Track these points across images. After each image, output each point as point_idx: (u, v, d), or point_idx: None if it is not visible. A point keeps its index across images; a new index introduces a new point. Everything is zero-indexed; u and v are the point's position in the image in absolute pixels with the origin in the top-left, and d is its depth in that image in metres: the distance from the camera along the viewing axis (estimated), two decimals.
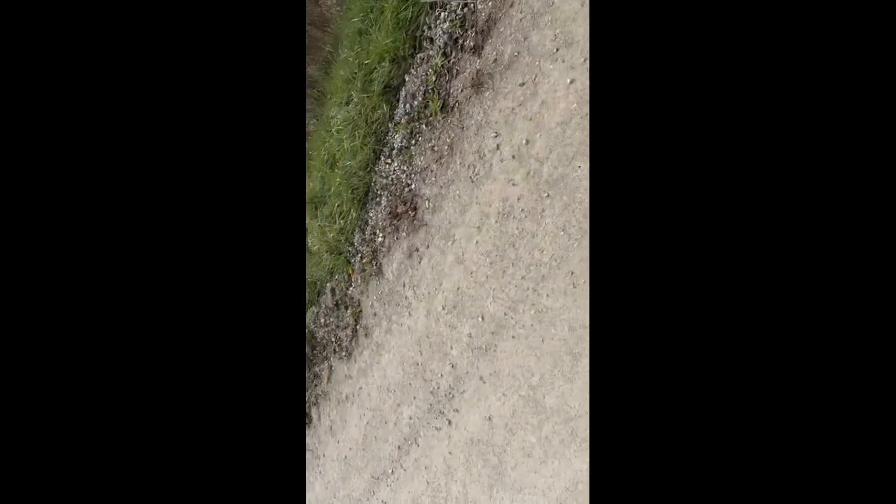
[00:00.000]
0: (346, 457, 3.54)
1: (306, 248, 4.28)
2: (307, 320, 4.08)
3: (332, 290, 3.72)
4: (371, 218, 3.20)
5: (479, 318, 2.24)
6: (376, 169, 3.09)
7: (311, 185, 4.07)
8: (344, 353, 3.56)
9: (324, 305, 3.87)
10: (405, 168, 2.81)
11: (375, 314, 3.13)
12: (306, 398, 4.10)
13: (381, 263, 3.08)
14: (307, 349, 4.04)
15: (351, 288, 3.50)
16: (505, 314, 2.09)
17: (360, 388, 3.31)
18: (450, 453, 2.41)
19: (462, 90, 2.36)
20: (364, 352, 3.28)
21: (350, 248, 3.47)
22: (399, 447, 2.81)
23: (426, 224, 2.64)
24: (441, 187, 2.50)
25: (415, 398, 2.70)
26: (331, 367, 3.79)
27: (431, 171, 2.60)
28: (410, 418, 2.71)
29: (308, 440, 4.05)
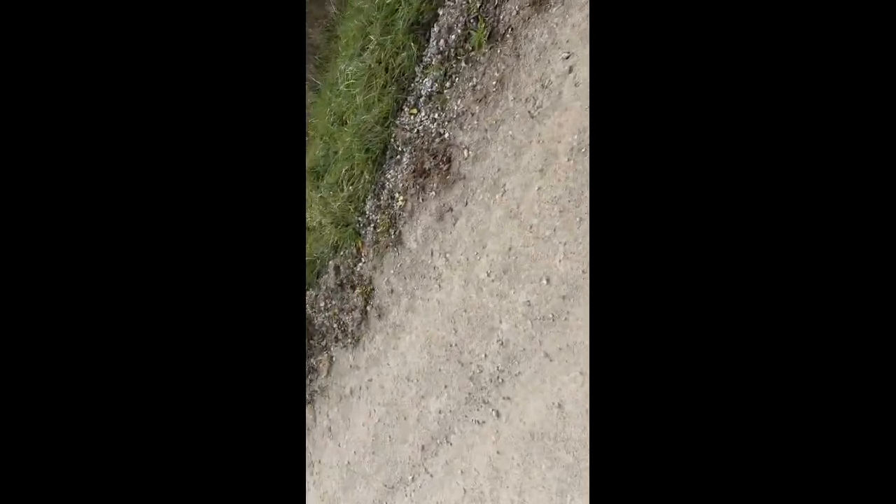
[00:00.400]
0: (348, 462, 2.99)
1: (305, 226, 3.76)
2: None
3: (336, 269, 3.20)
4: (389, 180, 2.72)
5: (543, 282, 1.80)
6: (397, 122, 2.63)
7: (313, 153, 3.57)
8: (349, 341, 3.03)
9: (324, 287, 3.34)
10: (436, 116, 2.37)
11: (392, 291, 2.64)
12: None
13: (400, 232, 2.61)
14: (307, 337, 3.49)
15: (360, 264, 2.99)
16: (583, 272, 1.66)
17: (370, 381, 2.79)
18: (497, 453, 1.93)
19: (518, 12, 1.96)
20: (376, 336, 2.77)
21: (360, 219, 2.98)
22: (423, 448, 2.31)
23: (464, 177, 2.19)
24: (486, 131, 2.07)
25: (446, 387, 2.22)
26: (331, 357, 3.25)
27: (472, 114, 2.17)
28: (440, 412, 2.22)
29: None
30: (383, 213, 2.72)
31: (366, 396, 2.84)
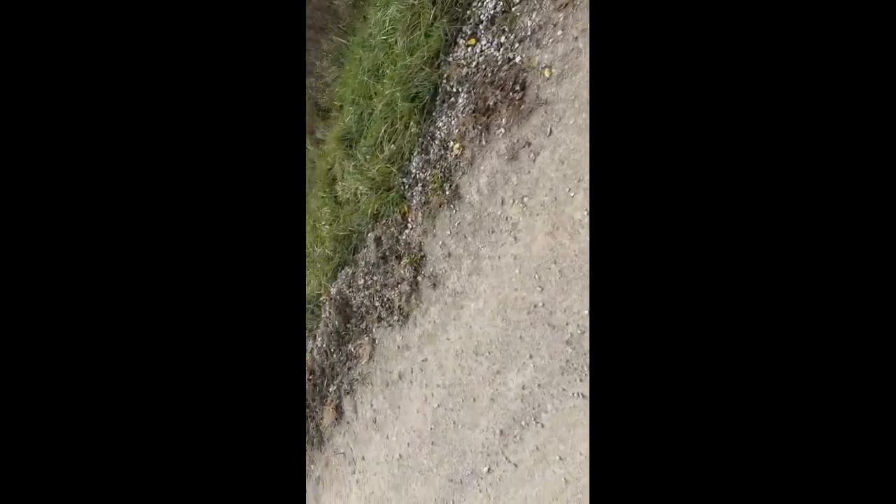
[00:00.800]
0: (400, 456, 2.60)
1: (336, 197, 3.40)
2: (335, 289, 3.17)
3: (377, 241, 2.82)
4: (440, 129, 2.35)
5: None
6: (450, 58, 2.26)
7: (342, 122, 3.22)
8: (395, 319, 2.65)
9: (363, 263, 2.96)
10: (502, 41, 2.00)
11: (450, 255, 2.26)
12: (336, 387, 3.16)
13: (457, 185, 2.23)
14: (339, 322, 3.12)
15: (407, 231, 2.61)
16: None
17: (425, 361, 2.40)
18: None
19: None
20: (430, 310, 2.38)
21: (405, 180, 2.60)
22: (502, 433, 1.91)
23: (545, 102, 1.81)
24: (575, 39, 1.69)
25: (531, 357, 1.82)
26: (373, 341, 2.86)
27: (553, 25, 1.79)
28: (524, 388, 1.83)
29: (339, 440, 3.09)
30: (434, 167, 2.35)
31: (420, 380, 2.44)
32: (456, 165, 2.18)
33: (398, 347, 2.64)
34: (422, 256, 2.44)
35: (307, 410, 3.39)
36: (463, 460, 2.08)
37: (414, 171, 2.47)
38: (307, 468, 3.41)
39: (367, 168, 2.84)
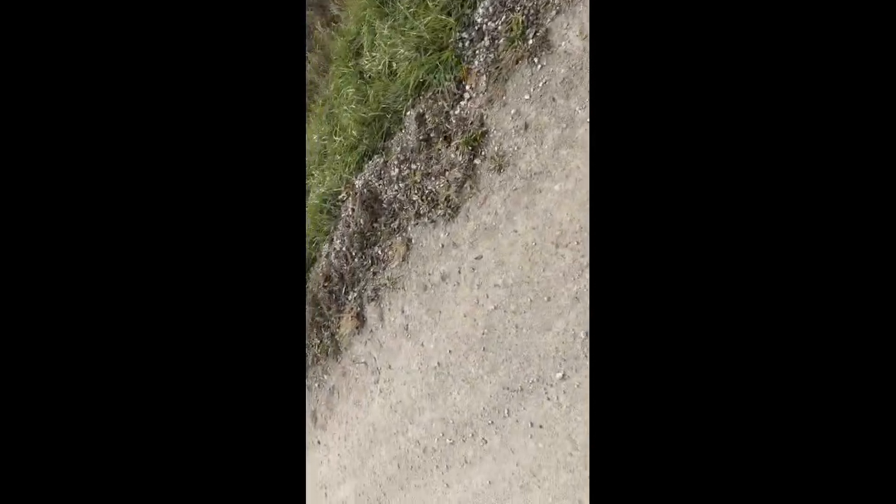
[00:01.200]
0: (438, 364, 2.31)
1: (362, 73, 2.81)
2: (361, 181, 2.70)
3: (419, 119, 2.31)
4: None
5: None
6: None
7: None
8: (440, 213, 2.23)
9: (398, 149, 2.47)
10: None
11: (526, 127, 1.79)
12: (357, 294, 2.80)
13: (547, 31, 1.71)
14: (365, 221, 2.69)
15: (463, 102, 2.11)
16: None
17: (479, 258, 2.03)
18: None
19: None
20: (491, 198, 1.96)
21: (464, 35, 2.05)
22: (585, 336, 1.61)
23: None
24: None
25: None
26: (408, 240, 2.46)
27: None
28: None
29: (360, 349, 2.79)
30: (512, 10, 1.81)
31: (470, 280, 2.09)
32: (547, 4, 1.66)
33: (442, 246, 2.25)
34: (482, 133, 1.97)
35: (322, 319, 3.06)
36: (526, 367, 1.79)
37: (480, 20, 1.91)
38: (321, 378, 3.15)
39: (410, 26, 2.26)
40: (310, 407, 3.22)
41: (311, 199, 3.02)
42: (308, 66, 3.20)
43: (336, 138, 2.85)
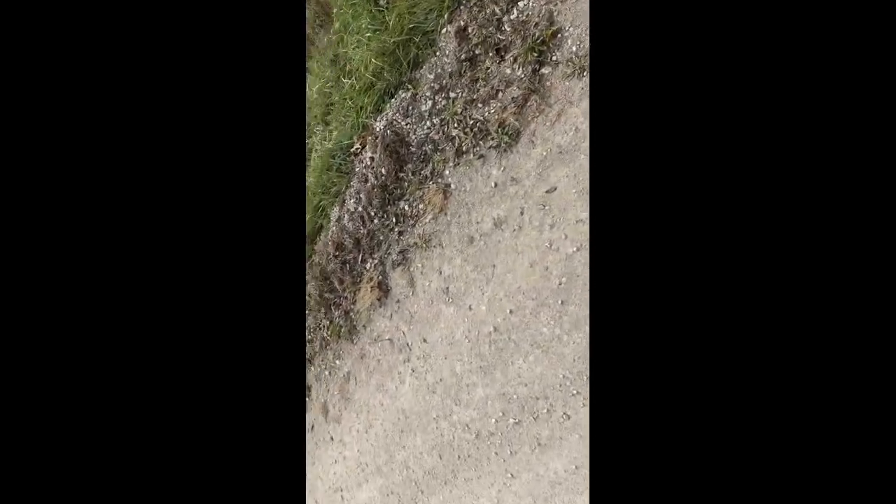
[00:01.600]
0: (494, 329, 1.88)
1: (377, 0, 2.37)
2: (383, 124, 2.27)
3: (460, 34, 1.88)
4: None
5: None
6: None
7: None
8: (493, 145, 1.81)
9: (430, 77, 2.05)
10: None
11: None
12: (378, 260, 2.36)
13: None
14: (388, 171, 2.25)
15: (524, 1, 1.73)
16: None
17: (551, 191, 1.64)
18: None
19: None
20: (569, 111, 1.58)
21: None
22: None
23: None
24: None
25: None
26: (446, 187, 2.04)
27: None
28: None
29: (383, 325, 2.35)
30: None
31: (538, 220, 1.69)
32: None
33: (494, 185, 1.85)
34: (552, 34, 1.59)
35: (332, 295, 2.60)
36: None
37: None
38: (333, 365, 2.68)
39: None
40: (319, 399, 2.74)
41: (314, 160, 2.57)
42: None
43: (345, 81, 2.41)
